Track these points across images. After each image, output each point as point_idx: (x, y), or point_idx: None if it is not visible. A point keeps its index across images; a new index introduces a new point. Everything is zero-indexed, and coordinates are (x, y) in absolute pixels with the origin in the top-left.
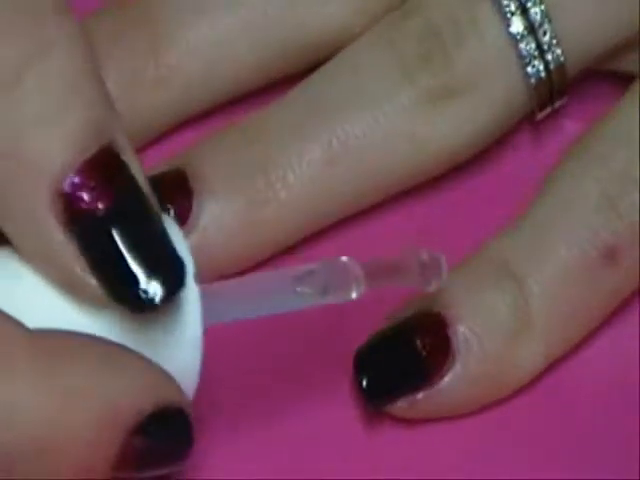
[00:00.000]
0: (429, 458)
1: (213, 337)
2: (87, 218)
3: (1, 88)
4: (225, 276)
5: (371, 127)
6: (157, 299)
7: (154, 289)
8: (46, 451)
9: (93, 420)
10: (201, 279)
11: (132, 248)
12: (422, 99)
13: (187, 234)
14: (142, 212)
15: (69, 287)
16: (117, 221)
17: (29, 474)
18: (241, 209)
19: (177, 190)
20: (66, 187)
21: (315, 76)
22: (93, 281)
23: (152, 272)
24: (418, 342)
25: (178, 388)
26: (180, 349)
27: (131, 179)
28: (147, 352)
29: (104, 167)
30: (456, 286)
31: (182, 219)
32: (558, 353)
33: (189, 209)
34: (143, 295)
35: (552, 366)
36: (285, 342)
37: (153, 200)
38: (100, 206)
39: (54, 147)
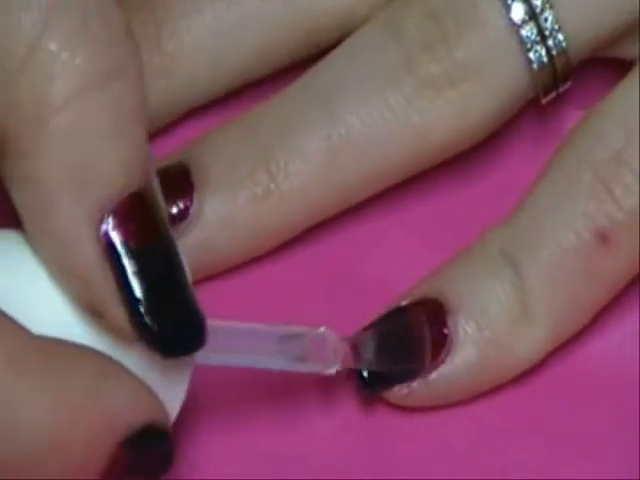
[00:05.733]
0: (425, 444)
1: None
2: (124, 251)
3: (73, 96)
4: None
5: (373, 117)
6: (174, 353)
7: (174, 345)
8: (45, 452)
9: (89, 428)
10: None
11: (156, 300)
12: (424, 88)
13: (189, 227)
14: (170, 268)
15: (90, 306)
16: (147, 266)
17: (28, 473)
18: (243, 201)
19: (179, 184)
20: (112, 214)
21: (317, 67)
22: (120, 310)
23: (175, 331)
24: (416, 330)
25: (164, 409)
26: (169, 376)
27: (165, 229)
28: (139, 373)
29: (145, 205)
30: (455, 275)
31: (184, 213)
32: (558, 340)
33: (191, 203)
34: (161, 346)
35: (554, 359)
36: None
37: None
38: (133, 244)
39: (112, 169)
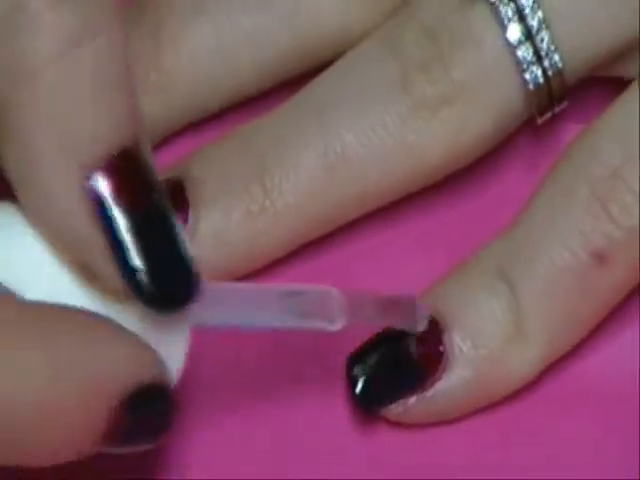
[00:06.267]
0: (424, 460)
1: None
2: (113, 210)
3: (59, 52)
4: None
5: (368, 136)
6: (167, 309)
7: (166, 300)
8: (35, 418)
9: (79, 390)
10: None
11: (149, 255)
12: (420, 108)
13: None
14: (164, 223)
15: (82, 266)
16: (138, 223)
17: (22, 441)
18: (238, 218)
19: (174, 200)
20: (99, 170)
21: (313, 83)
22: (109, 268)
23: (165, 286)
24: (412, 347)
25: (165, 368)
26: (168, 333)
27: (157, 187)
28: (137, 330)
29: (134, 162)
30: (450, 290)
31: None
32: (553, 357)
33: (185, 219)
34: (154, 302)
35: (550, 374)
36: (280, 345)
37: (171, 210)
38: (121, 200)
39: (99, 124)
